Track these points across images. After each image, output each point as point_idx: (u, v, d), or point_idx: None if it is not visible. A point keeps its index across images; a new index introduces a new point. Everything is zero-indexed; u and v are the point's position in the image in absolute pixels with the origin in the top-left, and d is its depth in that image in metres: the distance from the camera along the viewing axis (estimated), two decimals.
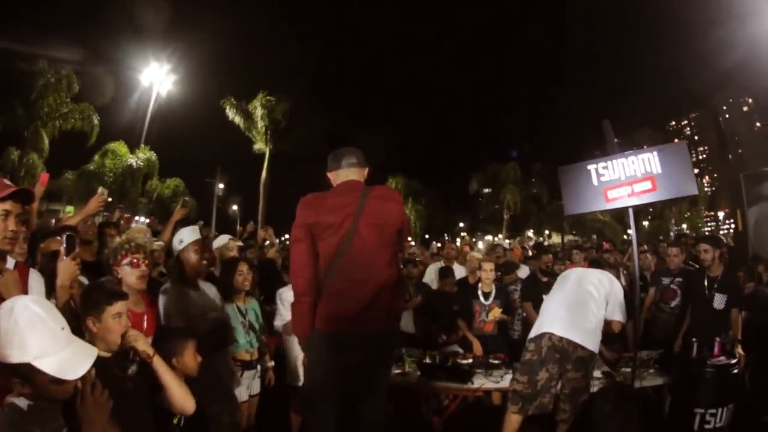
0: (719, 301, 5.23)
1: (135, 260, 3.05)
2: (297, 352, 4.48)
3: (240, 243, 5.96)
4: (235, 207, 39.81)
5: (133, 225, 7.77)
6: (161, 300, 3.42)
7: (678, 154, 4.47)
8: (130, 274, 3.04)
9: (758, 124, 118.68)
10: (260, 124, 25.86)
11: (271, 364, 4.47)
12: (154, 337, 2.80)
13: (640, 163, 4.44)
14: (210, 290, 3.84)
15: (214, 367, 3.21)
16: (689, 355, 4.70)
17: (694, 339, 4.77)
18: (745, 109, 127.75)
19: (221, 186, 36.91)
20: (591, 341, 4.18)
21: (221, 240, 5.46)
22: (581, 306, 4.32)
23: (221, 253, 5.19)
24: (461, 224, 49.22)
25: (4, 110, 20.24)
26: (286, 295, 4.62)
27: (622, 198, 4.51)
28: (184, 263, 3.66)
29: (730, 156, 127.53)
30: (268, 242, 8.39)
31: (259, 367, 4.22)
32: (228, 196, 39.25)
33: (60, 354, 1.64)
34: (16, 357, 1.58)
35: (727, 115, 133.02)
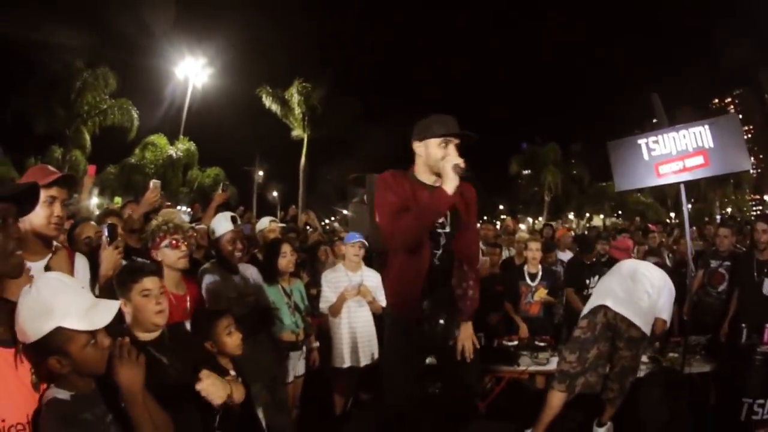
0: None
1: (174, 241, 3.05)
2: (342, 334, 4.53)
3: (282, 224, 5.98)
4: (275, 194, 39.96)
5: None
6: (201, 281, 3.49)
7: (730, 128, 4.31)
8: (170, 255, 3.04)
9: None
10: (297, 110, 25.87)
11: (316, 344, 4.50)
12: (191, 321, 2.83)
13: (691, 137, 4.29)
14: (250, 273, 3.88)
15: (255, 348, 3.24)
16: (738, 341, 4.56)
17: (743, 325, 4.61)
18: None
19: (260, 173, 37.12)
20: (644, 322, 4.02)
21: (263, 222, 5.49)
22: (636, 285, 4.16)
23: (264, 236, 5.22)
24: (500, 206, 48.54)
25: (45, 111, 20.98)
26: (330, 277, 4.66)
27: (673, 173, 4.37)
28: (220, 250, 3.74)
29: None
30: (309, 228, 8.43)
31: (304, 348, 4.26)
32: (267, 183, 39.38)
33: (85, 310, 1.67)
34: (45, 326, 1.59)
35: None
